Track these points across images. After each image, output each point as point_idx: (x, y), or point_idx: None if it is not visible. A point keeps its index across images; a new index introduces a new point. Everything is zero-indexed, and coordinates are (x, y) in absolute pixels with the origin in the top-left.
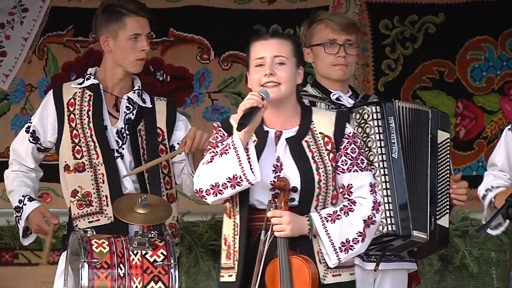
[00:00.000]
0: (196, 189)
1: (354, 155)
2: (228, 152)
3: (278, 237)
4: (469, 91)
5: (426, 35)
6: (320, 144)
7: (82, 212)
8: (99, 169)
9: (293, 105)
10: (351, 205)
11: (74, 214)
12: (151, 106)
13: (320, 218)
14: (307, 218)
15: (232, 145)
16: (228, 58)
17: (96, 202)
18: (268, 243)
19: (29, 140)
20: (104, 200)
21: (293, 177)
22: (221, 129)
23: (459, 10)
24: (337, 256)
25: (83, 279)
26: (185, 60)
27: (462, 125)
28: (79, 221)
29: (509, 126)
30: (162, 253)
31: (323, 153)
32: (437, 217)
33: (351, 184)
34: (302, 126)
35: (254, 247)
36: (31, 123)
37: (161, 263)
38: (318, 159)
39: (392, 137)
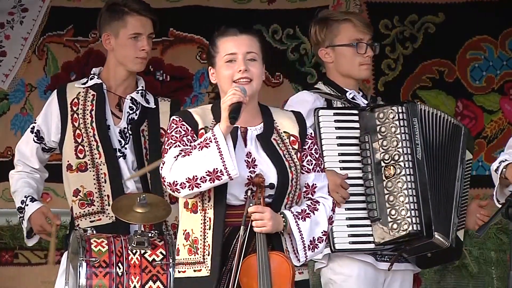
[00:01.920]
0: (169, 182)
1: (317, 156)
2: (209, 146)
3: (258, 233)
4: (469, 91)
5: (426, 34)
6: (287, 143)
7: (84, 211)
8: (101, 169)
9: (256, 103)
10: (315, 205)
11: (75, 214)
12: (155, 106)
13: (293, 216)
14: (282, 215)
15: (214, 138)
16: None
17: (98, 202)
18: (245, 239)
19: (34, 140)
20: (106, 200)
21: (270, 174)
22: (184, 123)
23: (459, 9)
24: (305, 254)
25: (81, 278)
26: (184, 60)
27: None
28: (81, 220)
29: None
30: (161, 253)
31: (291, 152)
32: (458, 227)
33: (315, 184)
34: (267, 124)
35: (226, 243)
36: (35, 123)
37: (160, 262)
38: (288, 157)
39: (416, 138)
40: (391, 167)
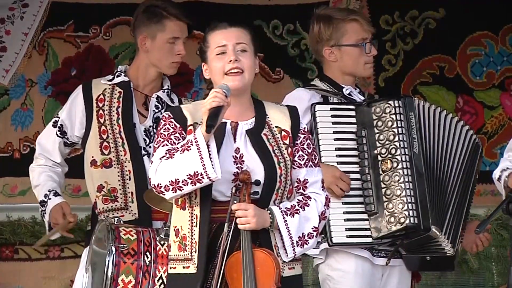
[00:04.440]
0: (154, 184)
1: (309, 151)
2: (190, 149)
3: (242, 230)
4: (469, 87)
5: (426, 30)
6: (278, 138)
7: (107, 207)
8: (126, 166)
9: (248, 97)
10: (306, 200)
11: (99, 209)
12: None
13: (281, 212)
14: (269, 212)
15: (195, 142)
16: None
17: (121, 198)
18: (230, 236)
19: (57, 134)
20: (129, 197)
21: (257, 170)
22: (172, 120)
23: (459, 5)
24: (293, 250)
25: (109, 264)
26: (185, 55)
27: (462, 120)
28: (106, 215)
29: None
30: None
31: (282, 147)
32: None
33: (307, 179)
34: (258, 118)
35: (213, 239)
36: (58, 117)
37: None
38: (278, 153)
39: (412, 132)
40: (388, 161)
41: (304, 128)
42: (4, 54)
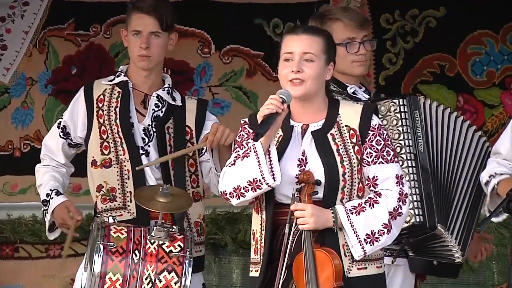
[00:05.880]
0: (220, 191)
1: (379, 147)
2: (249, 156)
3: (302, 230)
4: (470, 85)
5: (427, 29)
6: (346, 136)
7: (106, 206)
8: (125, 165)
9: (321, 100)
10: (376, 197)
11: (99, 209)
12: (181, 104)
13: (345, 210)
14: (332, 211)
15: (253, 148)
16: (229, 52)
17: (120, 198)
18: (293, 237)
19: (60, 135)
20: (128, 196)
21: (318, 170)
22: (246, 126)
23: (460, 4)
24: (362, 248)
25: (97, 262)
26: (185, 54)
27: (468, 120)
28: (104, 215)
29: None
30: (179, 245)
31: (348, 146)
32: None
33: (376, 176)
34: (328, 119)
35: (280, 241)
36: (62, 118)
37: (177, 254)
38: (343, 151)
39: (417, 130)
40: None
41: (376, 124)
42: (5, 53)
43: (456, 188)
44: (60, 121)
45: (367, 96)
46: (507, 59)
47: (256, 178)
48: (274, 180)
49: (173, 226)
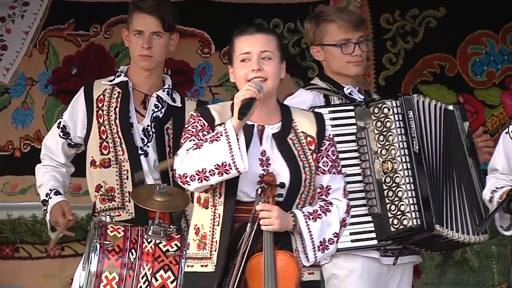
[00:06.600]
0: (179, 174)
1: (333, 157)
2: (219, 139)
3: (265, 231)
4: (470, 85)
5: (427, 29)
6: (303, 143)
7: (105, 206)
8: (124, 166)
9: (274, 102)
10: (327, 206)
11: (97, 209)
12: (181, 105)
13: (304, 216)
14: (292, 215)
15: (225, 132)
16: None
17: (118, 198)
18: (252, 237)
19: (60, 135)
20: (126, 196)
21: (282, 173)
22: (201, 118)
23: (460, 4)
24: (314, 254)
25: (93, 260)
26: (186, 54)
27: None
28: (102, 215)
29: (506, 130)
30: (175, 244)
31: (307, 152)
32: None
33: (330, 186)
34: (285, 123)
35: (234, 239)
36: (62, 118)
37: (173, 253)
38: (303, 157)
39: (412, 131)
40: (389, 162)
41: (329, 135)
42: (5, 53)
43: (448, 180)
44: (60, 121)
45: (362, 97)
46: (507, 59)
47: (225, 162)
48: (244, 166)
49: (171, 226)
